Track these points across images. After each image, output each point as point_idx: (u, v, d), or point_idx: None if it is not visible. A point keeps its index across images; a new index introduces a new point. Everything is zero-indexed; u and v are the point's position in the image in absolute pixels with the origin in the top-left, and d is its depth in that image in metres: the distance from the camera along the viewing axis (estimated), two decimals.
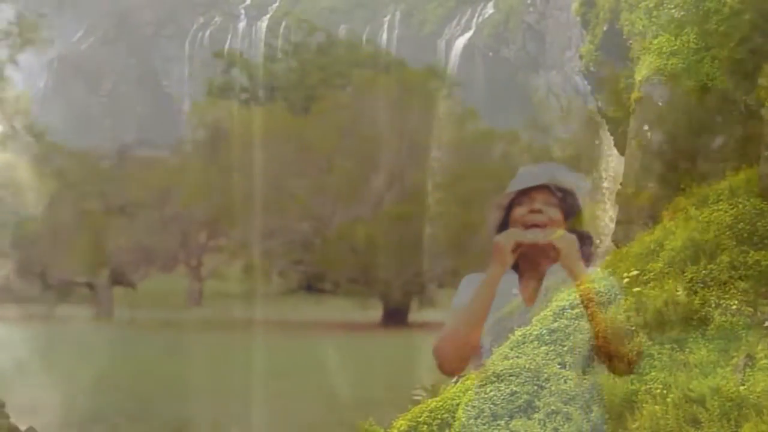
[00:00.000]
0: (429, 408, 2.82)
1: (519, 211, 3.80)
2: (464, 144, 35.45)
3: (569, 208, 3.81)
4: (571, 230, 3.76)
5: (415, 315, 32.17)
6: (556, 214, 3.75)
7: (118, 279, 35.09)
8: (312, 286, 36.35)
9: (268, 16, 54.54)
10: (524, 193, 3.81)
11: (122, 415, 14.27)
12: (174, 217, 35.10)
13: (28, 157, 32.24)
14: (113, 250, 34.31)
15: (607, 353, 3.09)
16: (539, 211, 3.73)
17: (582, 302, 3.13)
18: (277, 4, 54.21)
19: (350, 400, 14.67)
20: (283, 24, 51.22)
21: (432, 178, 34.67)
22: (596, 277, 3.58)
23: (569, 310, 2.88)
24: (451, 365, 3.47)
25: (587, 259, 3.71)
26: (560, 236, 3.45)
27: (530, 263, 3.78)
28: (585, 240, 3.74)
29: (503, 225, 3.85)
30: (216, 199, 34.34)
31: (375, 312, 32.85)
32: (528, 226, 3.74)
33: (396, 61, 44.64)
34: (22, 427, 5.99)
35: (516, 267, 3.79)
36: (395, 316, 32.11)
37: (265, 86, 46.95)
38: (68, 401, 15.19)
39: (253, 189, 33.76)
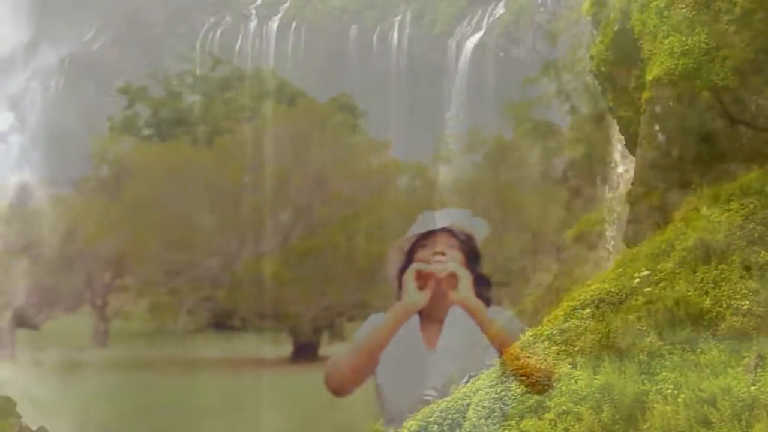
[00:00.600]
0: (439, 408, 2.77)
1: (422, 254, 3.90)
2: (371, 176, 35.57)
3: (470, 251, 3.89)
4: (474, 274, 3.81)
5: (325, 349, 32.04)
6: (458, 256, 3.82)
7: (21, 321, 34.13)
8: (221, 323, 35.89)
9: (278, 16, 54.18)
10: (426, 237, 3.88)
11: None
12: (78, 256, 34.35)
13: None
14: (14, 291, 33.40)
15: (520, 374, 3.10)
16: (442, 253, 3.80)
17: (491, 342, 3.16)
18: (287, 3, 53.84)
19: None
20: (294, 24, 50.88)
21: (338, 211, 34.67)
22: (495, 312, 3.61)
23: (580, 310, 2.88)
24: (343, 385, 3.62)
25: (485, 301, 3.73)
26: (459, 267, 3.55)
27: (431, 306, 3.81)
28: (483, 283, 3.80)
29: (404, 269, 3.88)
30: (121, 236, 33.72)
31: (285, 347, 32.60)
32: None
33: (301, 93, 44.63)
34: (33, 427, 5.78)
35: (418, 312, 3.81)
36: (305, 351, 31.90)
37: (168, 121, 46.39)
38: None
39: (158, 225, 33.30)
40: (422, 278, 3.62)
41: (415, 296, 3.61)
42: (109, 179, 37.54)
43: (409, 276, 3.63)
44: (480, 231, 3.82)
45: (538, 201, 31.66)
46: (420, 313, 3.74)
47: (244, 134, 38.54)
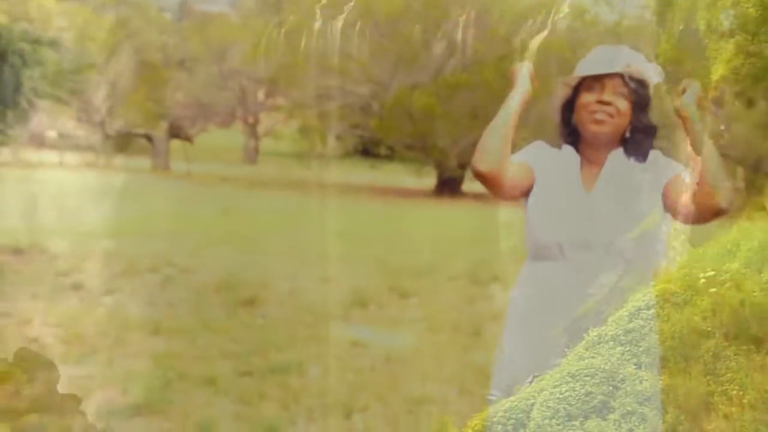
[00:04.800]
0: (503, 408, 2.77)
1: (586, 98, 3.78)
2: (529, 14, 34.66)
3: (640, 99, 3.74)
4: (638, 123, 3.72)
5: (469, 185, 32.13)
6: (624, 105, 3.70)
7: (176, 132, 35.31)
8: (368, 150, 36.36)
9: (343, 16, 53.23)
10: (596, 78, 3.73)
11: (174, 267, 14.43)
12: (233, 73, 35.02)
13: (90, 5, 32.15)
14: (171, 103, 34.45)
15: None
16: (608, 103, 3.69)
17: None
18: (352, 3, 52.77)
19: (401, 266, 14.75)
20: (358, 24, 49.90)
21: (493, 49, 34.09)
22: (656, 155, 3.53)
23: (645, 311, 2.84)
24: (478, 160, 3.62)
25: (647, 150, 3.66)
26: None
27: (592, 149, 3.75)
28: (650, 132, 3.69)
29: (569, 104, 3.82)
30: (275, 57, 34.07)
31: (429, 180, 32.85)
32: (593, 118, 3.72)
33: None
34: (99, 426, 6.12)
35: (579, 153, 3.78)
36: (449, 185, 32.09)
37: None
38: (119, 248, 15.44)
39: (313, 49, 33.43)
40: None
41: (526, 84, 3.74)
42: (269, 1, 37.73)
43: (525, 71, 3.81)
44: (655, 78, 3.69)
45: None
46: (582, 155, 3.72)
47: None
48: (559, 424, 2.60)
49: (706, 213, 3.41)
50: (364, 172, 33.98)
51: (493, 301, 12.22)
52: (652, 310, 2.75)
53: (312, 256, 15.49)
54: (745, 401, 2.52)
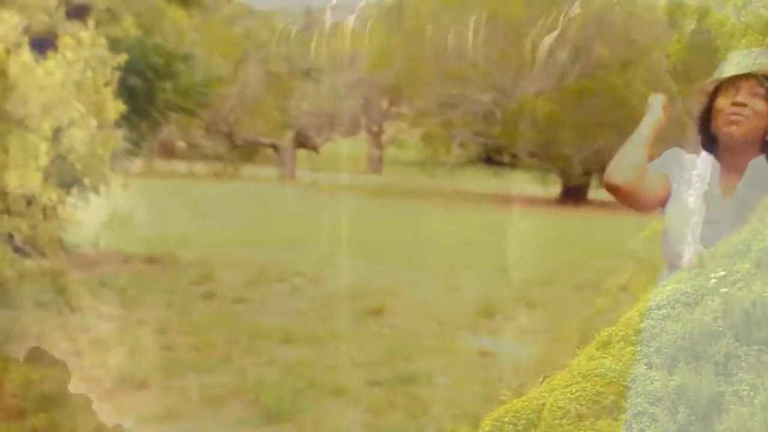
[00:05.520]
0: (515, 408, 2.77)
1: (722, 102, 3.69)
2: (654, 20, 34.10)
3: None
4: None
5: (594, 192, 31.74)
6: (761, 106, 3.60)
7: (302, 142, 35.86)
8: (491, 158, 36.28)
9: (354, 15, 53.25)
10: (731, 82, 3.64)
11: (302, 276, 14.61)
12: (357, 83, 35.39)
13: (218, 18, 32.94)
14: (297, 113, 35.00)
15: None
16: (743, 104, 3.59)
17: None
18: (363, 3, 52.74)
19: (527, 276, 14.65)
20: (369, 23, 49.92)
21: (618, 54, 33.64)
22: None
23: (655, 311, 2.80)
24: (615, 173, 3.59)
25: None
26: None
27: (731, 155, 3.68)
28: None
29: (707, 111, 3.76)
30: (399, 65, 34.34)
31: (554, 188, 32.59)
32: (728, 119, 3.65)
33: None
34: (110, 425, 6.21)
35: (720, 161, 3.73)
36: (574, 193, 31.80)
37: None
38: (247, 257, 15.73)
39: (436, 57, 33.59)
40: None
41: (659, 112, 3.74)
42: (392, 9, 38.01)
43: (659, 101, 3.77)
44: None
45: None
46: (722, 162, 3.69)
47: None
48: (569, 424, 2.59)
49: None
50: (487, 180, 33.91)
51: (620, 311, 12.04)
52: (663, 310, 2.73)
53: (437, 265, 15.52)
54: (756, 402, 2.49)
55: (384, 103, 37.04)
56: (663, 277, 3.74)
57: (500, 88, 34.43)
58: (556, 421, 2.61)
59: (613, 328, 2.81)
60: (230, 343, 10.42)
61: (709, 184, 3.68)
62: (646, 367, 2.64)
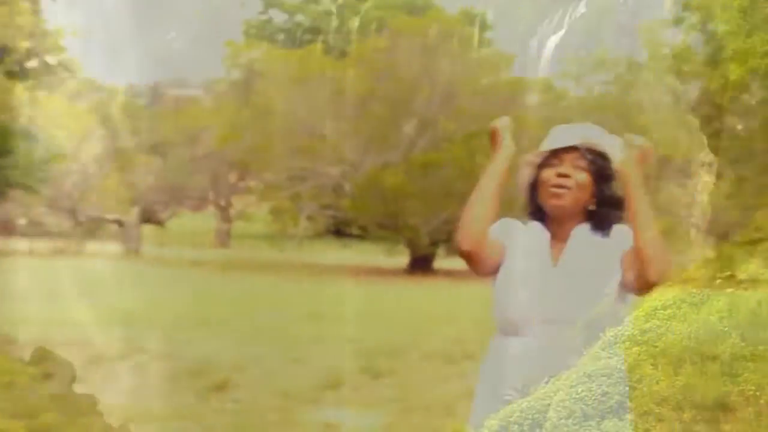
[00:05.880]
0: (520, 408, 2.78)
1: (546, 173, 3.85)
2: (497, 92, 35.10)
3: (600, 171, 3.80)
4: (602, 195, 3.77)
5: (440, 262, 32.17)
6: (584, 178, 3.76)
7: (148, 217, 35.28)
8: (340, 230, 36.43)
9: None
10: (555, 155, 3.81)
11: (146, 353, 14.32)
12: (205, 157, 35.15)
13: (62, 93, 32.30)
14: (143, 188, 34.48)
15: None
16: (566, 176, 3.75)
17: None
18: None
19: (374, 346, 14.70)
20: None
21: (463, 126, 34.40)
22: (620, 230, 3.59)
23: (661, 311, 2.87)
24: (463, 239, 3.64)
25: (612, 222, 3.70)
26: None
27: (557, 224, 3.81)
28: (615, 204, 3.74)
29: (534, 183, 3.89)
30: (247, 140, 34.29)
31: (401, 258, 32.88)
32: (552, 192, 3.79)
33: (432, 5, 44.14)
34: (115, 425, 6.03)
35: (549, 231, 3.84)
36: (422, 263, 32.12)
37: (303, 29, 46.52)
38: (86, 336, 15.30)
39: (284, 131, 33.69)
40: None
41: (509, 142, 3.82)
42: (240, 83, 38.02)
43: (505, 124, 3.86)
44: (615, 150, 3.74)
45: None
46: (550, 230, 3.76)
47: (376, 44, 38.27)
48: (575, 425, 2.60)
49: (642, 286, 3.40)
50: (336, 252, 34.01)
51: (467, 379, 12.18)
52: (669, 310, 2.77)
53: (284, 338, 15.43)
54: (762, 401, 2.53)
55: (232, 177, 36.85)
56: (495, 343, 3.81)
57: (349, 161, 34.72)
58: (562, 421, 2.59)
59: (619, 327, 2.80)
60: (66, 426, 10.07)
61: (538, 252, 3.78)
62: (652, 367, 2.64)
